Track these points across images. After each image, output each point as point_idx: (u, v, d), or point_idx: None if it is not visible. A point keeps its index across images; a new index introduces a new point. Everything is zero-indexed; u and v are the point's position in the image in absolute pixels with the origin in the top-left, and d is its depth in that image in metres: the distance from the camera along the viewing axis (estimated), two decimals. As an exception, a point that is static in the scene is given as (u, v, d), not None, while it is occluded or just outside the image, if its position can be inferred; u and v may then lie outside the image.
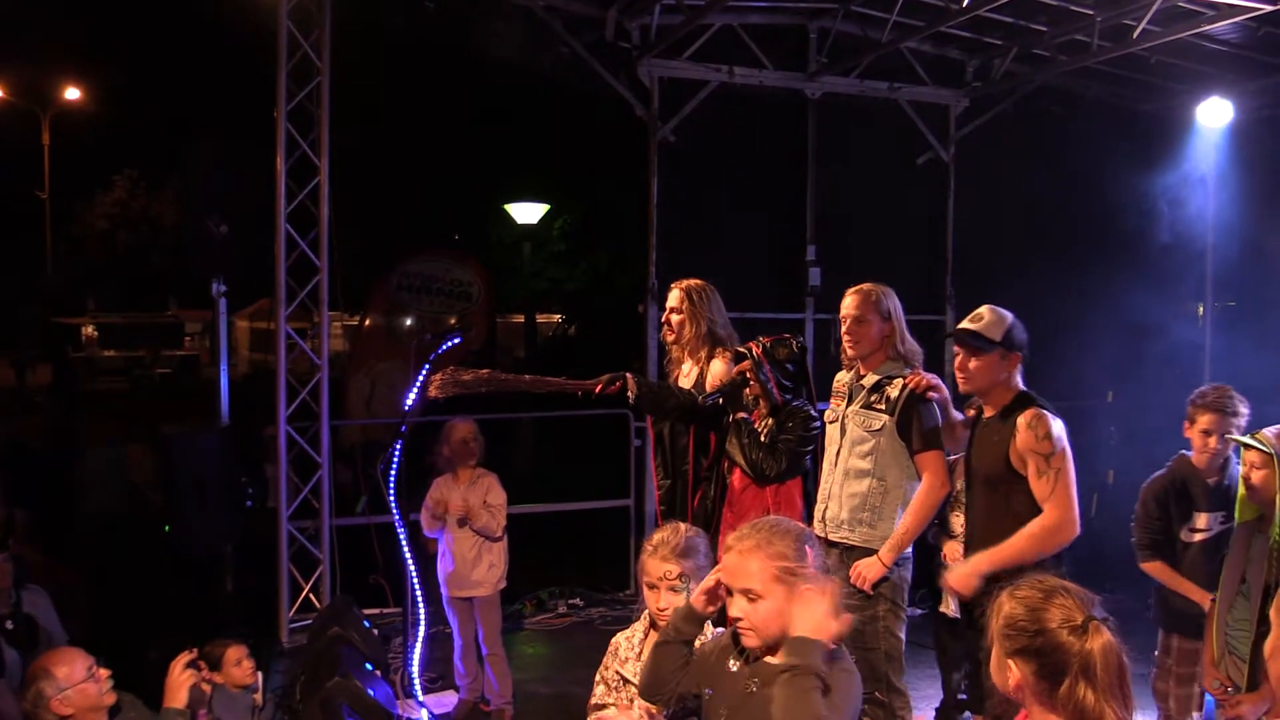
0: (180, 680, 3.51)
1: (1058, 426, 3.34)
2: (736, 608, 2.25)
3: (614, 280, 14.37)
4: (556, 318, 25.11)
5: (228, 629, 4.50)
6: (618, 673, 2.72)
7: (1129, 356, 7.35)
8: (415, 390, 5.14)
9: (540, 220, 15.45)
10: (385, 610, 6.41)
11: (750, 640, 2.24)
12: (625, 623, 6.39)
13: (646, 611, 2.76)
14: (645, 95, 7.05)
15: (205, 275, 6.23)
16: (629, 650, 2.77)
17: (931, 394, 3.78)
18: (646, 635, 2.76)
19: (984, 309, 3.50)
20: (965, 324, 3.49)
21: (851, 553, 3.82)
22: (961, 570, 3.41)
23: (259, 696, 4.40)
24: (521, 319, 22.76)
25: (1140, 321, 7.25)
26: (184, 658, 3.58)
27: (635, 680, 2.66)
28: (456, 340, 5.30)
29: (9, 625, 4.42)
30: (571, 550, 7.36)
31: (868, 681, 3.30)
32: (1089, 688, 1.78)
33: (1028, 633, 1.85)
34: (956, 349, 3.52)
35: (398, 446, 5.08)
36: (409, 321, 9.90)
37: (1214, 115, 7.41)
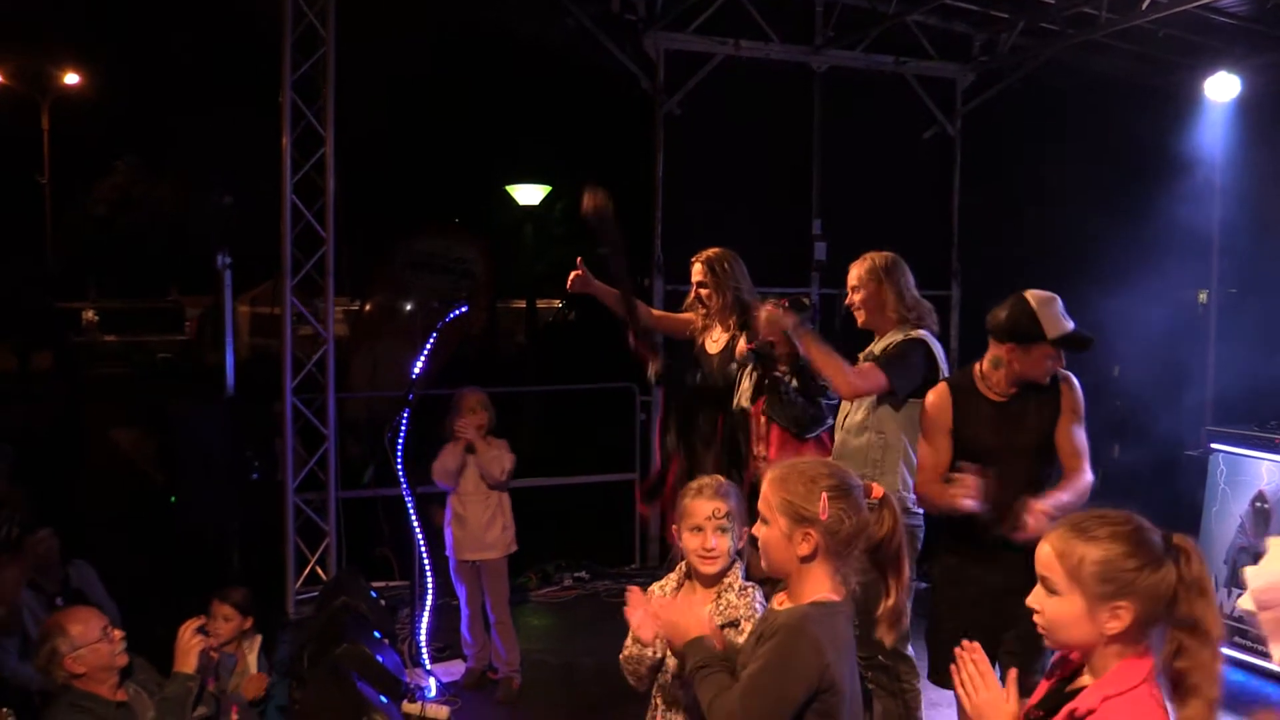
0: (190, 645, 3.51)
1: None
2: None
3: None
4: (557, 303, 25.03)
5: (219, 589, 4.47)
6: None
7: (1135, 332, 7.34)
8: (422, 359, 5.16)
9: (541, 202, 15.42)
10: (391, 583, 6.41)
11: (755, 571, 2.32)
12: (631, 597, 6.45)
13: (682, 562, 2.74)
14: (651, 68, 7.02)
15: (209, 248, 6.22)
16: (660, 596, 2.74)
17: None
18: (680, 585, 2.73)
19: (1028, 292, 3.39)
20: (1073, 328, 3.35)
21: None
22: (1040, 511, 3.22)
23: (253, 659, 4.43)
24: (523, 304, 22.70)
25: (1146, 297, 7.24)
26: (193, 623, 3.58)
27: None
28: (464, 309, 5.31)
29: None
30: (576, 524, 7.35)
31: (872, 645, 3.29)
32: (1201, 602, 1.79)
33: (1134, 570, 1.80)
34: (1002, 347, 3.38)
35: (405, 415, 5.08)
36: (409, 306, 9.88)
37: (1221, 90, 7.37)
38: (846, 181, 7.45)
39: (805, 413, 4.13)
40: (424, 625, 5.19)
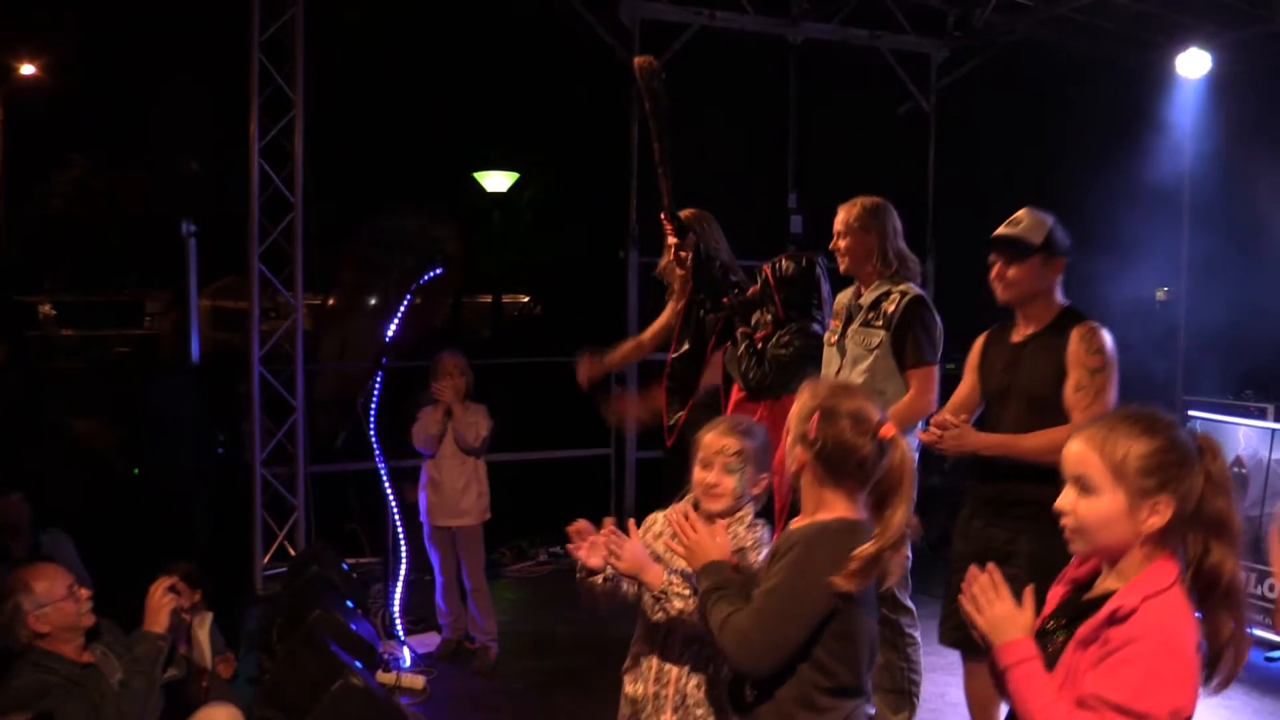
0: (161, 604, 3.37)
1: (1111, 344, 3.16)
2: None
3: (588, 248, 14.18)
4: (523, 298, 24.85)
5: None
6: (649, 545, 2.57)
7: (1106, 310, 7.36)
8: (395, 321, 5.04)
9: (509, 189, 15.24)
10: (361, 560, 6.28)
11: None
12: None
13: (689, 495, 2.63)
14: (626, 37, 6.93)
15: (174, 214, 6.06)
16: (664, 526, 2.62)
17: None
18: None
19: (1022, 212, 3.31)
20: (1002, 229, 3.29)
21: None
22: (960, 434, 3.21)
23: (203, 635, 4.31)
24: (489, 299, 22.50)
25: (1117, 274, 7.27)
26: (164, 582, 3.45)
27: (664, 556, 2.55)
28: (439, 271, 5.20)
29: None
30: (550, 499, 7.23)
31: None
32: (1224, 498, 1.75)
33: (1176, 464, 1.76)
34: (993, 257, 3.30)
35: (378, 380, 4.97)
36: (373, 301, 9.71)
37: (1192, 66, 7.42)
38: (822, 155, 7.42)
39: (749, 370, 3.98)
40: (397, 595, 5.07)
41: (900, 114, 7.73)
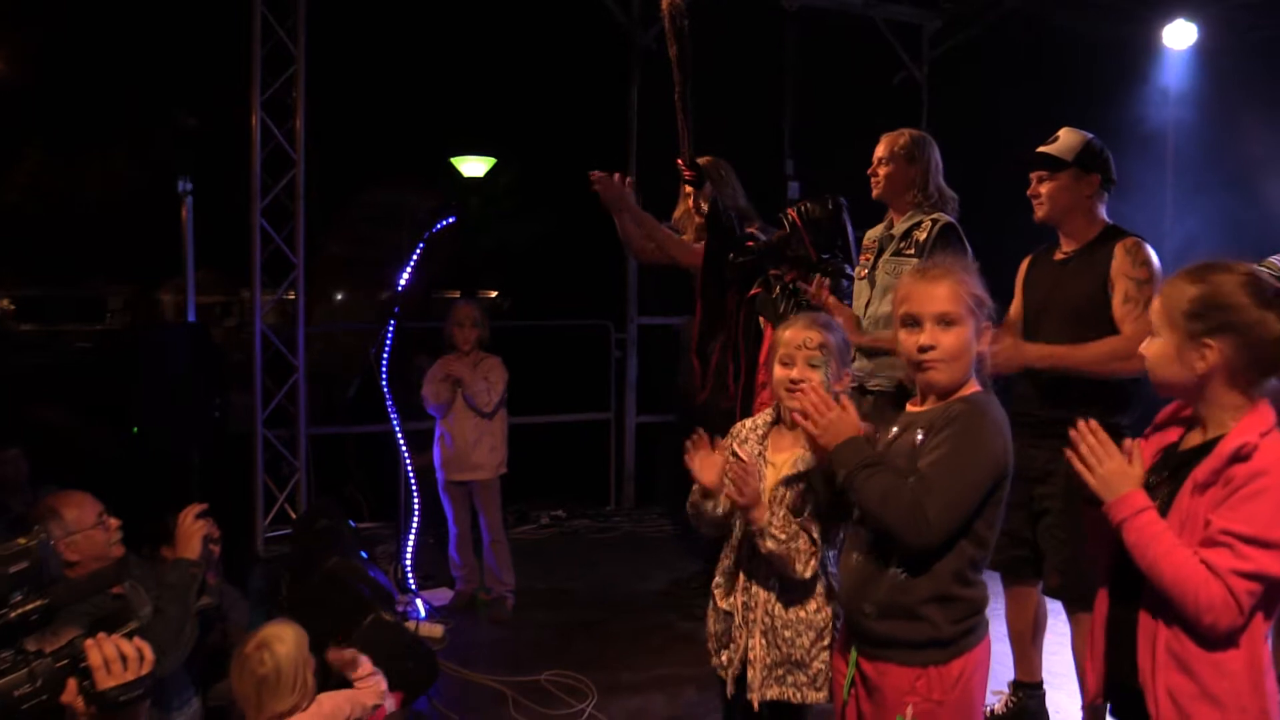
0: (193, 529, 3.28)
1: (1156, 258, 3.18)
2: (929, 336, 2.15)
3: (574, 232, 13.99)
4: (492, 293, 24.69)
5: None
6: (734, 452, 2.50)
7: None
8: (408, 270, 4.99)
9: (487, 174, 15.08)
10: (362, 525, 6.20)
11: (938, 375, 2.14)
12: (611, 534, 6.33)
13: (774, 404, 2.59)
14: (625, 1, 6.92)
15: (172, 172, 5.94)
16: (750, 431, 2.60)
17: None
18: (775, 423, 2.57)
19: (1062, 130, 3.37)
20: (1041, 147, 3.35)
21: (884, 397, 3.75)
22: (1012, 348, 3.20)
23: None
24: (457, 295, 22.33)
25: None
26: (194, 508, 3.37)
27: (747, 460, 2.47)
28: (451, 220, 5.15)
29: None
30: (551, 463, 7.19)
31: None
32: None
33: (1226, 308, 1.80)
34: (1031, 175, 3.36)
35: (390, 330, 4.91)
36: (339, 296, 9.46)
37: (1179, 37, 7.55)
38: (817, 123, 7.44)
39: (789, 313, 3.86)
40: (410, 547, 5.01)
41: (894, 84, 7.78)
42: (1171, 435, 1.97)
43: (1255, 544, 1.70)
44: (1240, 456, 1.73)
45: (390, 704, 3.18)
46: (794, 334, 2.48)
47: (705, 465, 2.51)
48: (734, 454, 2.48)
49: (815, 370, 2.44)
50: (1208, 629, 1.74)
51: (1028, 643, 3.65)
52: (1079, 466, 1.89)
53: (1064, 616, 3.43)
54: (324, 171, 6.54)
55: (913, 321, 2.18)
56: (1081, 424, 1.91)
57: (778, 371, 2.50)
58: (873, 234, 4.02)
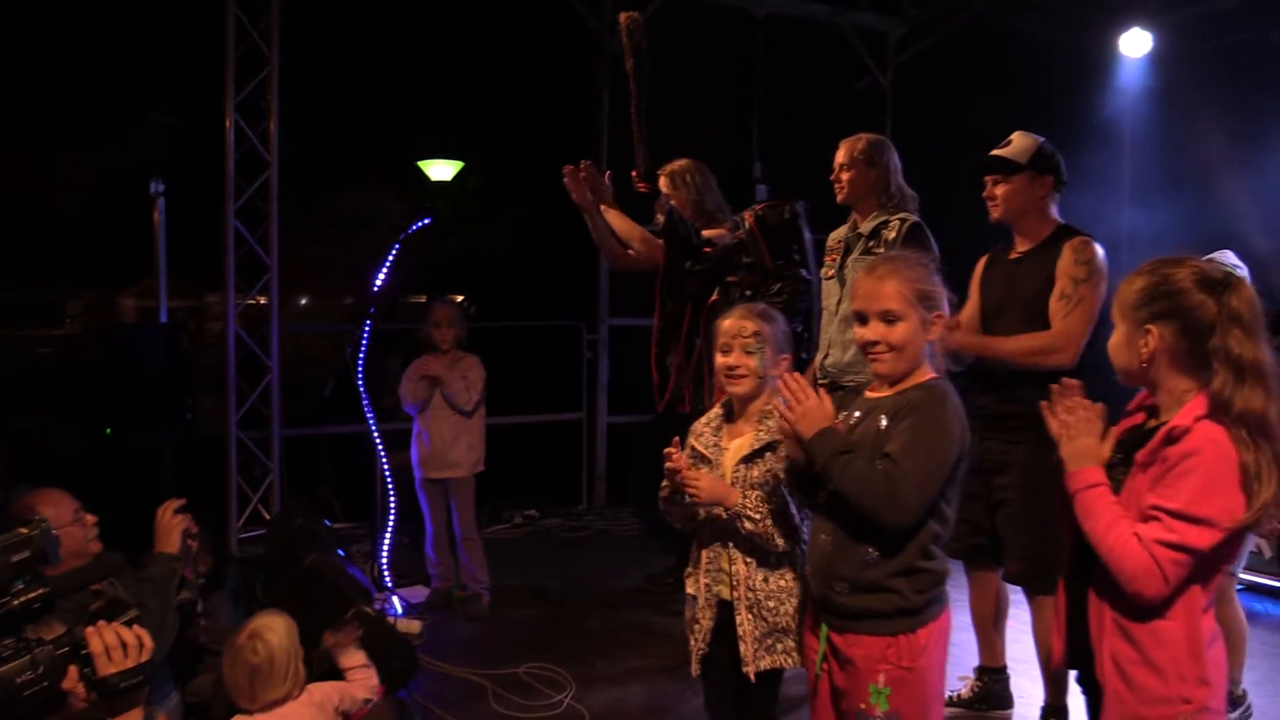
0: (172, 524, 3.30)
1: (1102, 257, 3.28)
2: (872, 331, 2.29)
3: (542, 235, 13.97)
4: (459, 298, 24.59)
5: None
6: (693, 447, 2.68)
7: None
8: (384, 271, 5.03)
9: (454, 178, 15.05)
10: (336, 525, 6.21)
11: (883, 366, 2.30)
12: (584, 533, 6.40)
13: (723, 399, 2.74)
14: (596, 6, 7.01)
15: (144, 172, 5.93)
16: (705, 425, 2.74)
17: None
18: (721, 421, 2.73)
19: (1015, 134, 3.47)
20: (994, 151, 3.45)
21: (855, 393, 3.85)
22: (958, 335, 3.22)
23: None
24: (424, 298, 22.22)
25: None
26: (173, 503, 3.39)
27: (708, 454, 2.66)
28: (427, 221, 5.20)
29: None
30: (523, 463, 7.25)
31: None
32: (1241, 332, 1.86)
33: (1167, 295, 1.92)
34: (987, 178, 3.46)
35: (366, 330, 4.95)
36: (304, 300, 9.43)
37: (1135, 45, 7.74)
38: (785, 128, 7.57)
39: None
40: (386, 545, 5.05)
41: (858, 88, 7.92)
42: (1137, 420, 2.10)
43: (1180, 518, 1.84)
44: (1173, 439, 1.87)
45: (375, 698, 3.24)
46: (731, 323, 2.65)
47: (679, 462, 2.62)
48: (693, 451, 2.65)
49: (751, 357, 2.61)
50: (1135, 596, 1.87)
51: (990, 628, 3.78)
52: (1057, 430, 2.01)
53: (1026, 605, 3.54)
54: (297, 174, 6.57)
55: (861, 318, 2.34)
56: (1069, 385, 2.04)
57: (718, 359, 2.66)
58: (837, 235, 4.13)
